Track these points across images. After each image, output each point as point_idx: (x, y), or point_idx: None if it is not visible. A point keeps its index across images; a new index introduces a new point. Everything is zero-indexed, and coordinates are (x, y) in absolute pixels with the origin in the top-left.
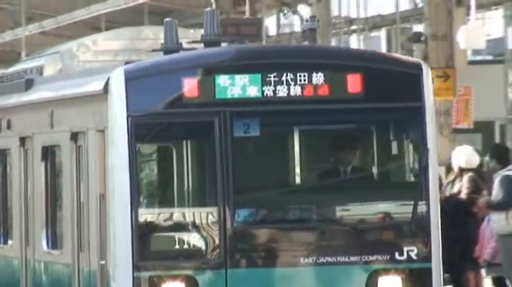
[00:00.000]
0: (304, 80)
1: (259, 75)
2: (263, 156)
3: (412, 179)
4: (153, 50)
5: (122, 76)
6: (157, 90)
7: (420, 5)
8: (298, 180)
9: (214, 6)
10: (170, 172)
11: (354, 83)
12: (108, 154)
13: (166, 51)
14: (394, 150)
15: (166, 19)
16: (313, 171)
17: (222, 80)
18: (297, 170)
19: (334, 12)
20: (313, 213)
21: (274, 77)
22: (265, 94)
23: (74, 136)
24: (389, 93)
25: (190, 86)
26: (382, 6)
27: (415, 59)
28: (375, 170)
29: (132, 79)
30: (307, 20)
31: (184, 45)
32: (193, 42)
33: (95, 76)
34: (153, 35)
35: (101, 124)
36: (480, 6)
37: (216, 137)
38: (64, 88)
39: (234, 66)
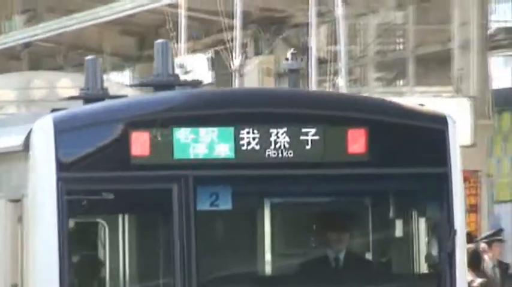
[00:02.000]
0: (292, 137)
1: (231, 130)
2: (236, 238)
3: (431, 271)
4: (70, 98)
5: (51, 126)
6: (96, 146)
7: None
8: (281, 270)
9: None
10: (114, 259)
11: (356, 140)
12: (28, 233)
13: (88, 100)
14: (406, 232)
15: (88, 57)
16: (300, 258)
17: (183, 134)
18: (280, 258)
19: None
20: None
21: (251, 131)
22: (239, 155)
23: None
24: (403, 155)
25: (140, 141)
26: None
27: (437, 110)
28: (378, 258)
29: (64, 131)
30: (287, 59)
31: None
32: (141, 85)
33: (8, 128)
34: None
35: (17, 192)
36: None
37: (173, 211)
38: None
39: (199, 117)
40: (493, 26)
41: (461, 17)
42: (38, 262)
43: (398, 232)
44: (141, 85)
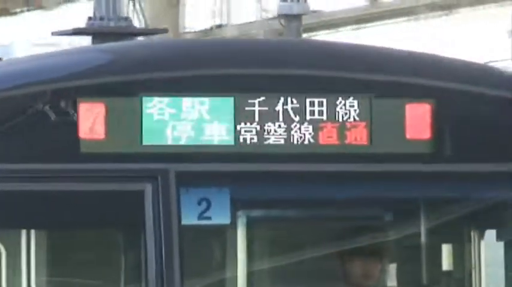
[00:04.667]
0: (321, 113)
1: (230, 100)
2: (235, 267)
3: None
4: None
5: None
6: (20, 124)
7: None
8: None
9: None
10: None
11: (417, 121)
12: None
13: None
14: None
15: None
16: None
17: (157, 107)
18: None
19: None
20: None
21: (259, 103)
22: (241, 139)
23: None
24: (484, 146)
25: (91, 118)
26: None
27: None
28: None
29: None
30: None
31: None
32: (82, 33)
33: None
34: None
35: None
36: None
37: (145, 226)
38: None
39: (181, 80)
40: None
41: None
42: None
43: (472, 264)
44: (82, 33)
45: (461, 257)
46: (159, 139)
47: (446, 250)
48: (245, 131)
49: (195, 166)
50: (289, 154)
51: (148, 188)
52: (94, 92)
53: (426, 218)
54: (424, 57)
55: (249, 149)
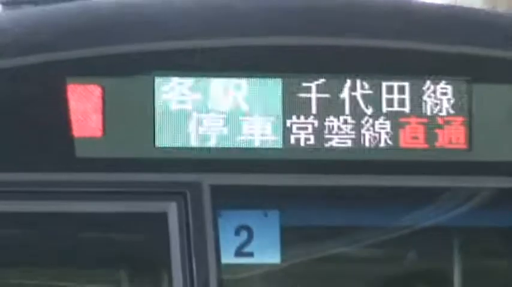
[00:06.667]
0: (401, 103)
1: (278, 82)
2: None
3: None
4: None
5: None
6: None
7: None
8: None
9: None
10: None
11: None
12: None
13: None
14: None
15: None
16: None
17: (177, 92)
18: None
19: None
20: None
21: (318, 88)
22: (290, 139)
23: None
24: None
25: (82, 106)
26: None
27: None
28: None
29: None
30: None
31: None
32: None
33: None
34: None
35: None
36: None
37: (170, 265)
38: None
39: (210, 55)
40: None
41: None
42: None
43: None
44: None
45: None
46: (183, 138)
47: None
48: (297, 129)
49: (235, 176)
50: (359, 161)
51: (172, 209)
52: (86, 69)
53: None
54: None
55: (303, 155)
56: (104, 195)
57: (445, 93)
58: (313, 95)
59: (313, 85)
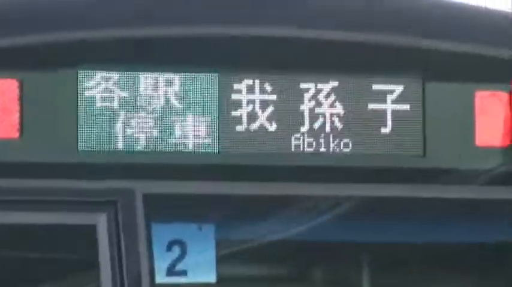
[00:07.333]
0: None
1: (214, 77)
2: None
3: None
4: None
5: None
6: None
7: None
8: None
9: None
10: None
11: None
12: None
13: None
14: None
15: None
16: None
17: (99, 88)
18: None
19: None
20: None
21: (262, 85)
22: (233, 143)
23: None
24: None
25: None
26: None
27: None
28: None
29: None
30: None
31: None
32: None
33: None
34: None
35: None
36: None
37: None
38: None
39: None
40: None
41: None
42: None
43: None
44: None
45: None
46: (106, 140)
47: None
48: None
49: (169, 184)
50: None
51: (101, 222)
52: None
53: None
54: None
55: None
56: (24, 205)
57: None
58: (257, 92)
59: (256, 81)
